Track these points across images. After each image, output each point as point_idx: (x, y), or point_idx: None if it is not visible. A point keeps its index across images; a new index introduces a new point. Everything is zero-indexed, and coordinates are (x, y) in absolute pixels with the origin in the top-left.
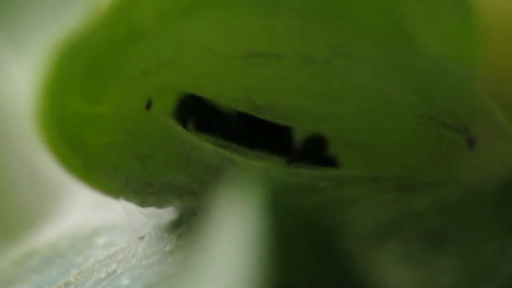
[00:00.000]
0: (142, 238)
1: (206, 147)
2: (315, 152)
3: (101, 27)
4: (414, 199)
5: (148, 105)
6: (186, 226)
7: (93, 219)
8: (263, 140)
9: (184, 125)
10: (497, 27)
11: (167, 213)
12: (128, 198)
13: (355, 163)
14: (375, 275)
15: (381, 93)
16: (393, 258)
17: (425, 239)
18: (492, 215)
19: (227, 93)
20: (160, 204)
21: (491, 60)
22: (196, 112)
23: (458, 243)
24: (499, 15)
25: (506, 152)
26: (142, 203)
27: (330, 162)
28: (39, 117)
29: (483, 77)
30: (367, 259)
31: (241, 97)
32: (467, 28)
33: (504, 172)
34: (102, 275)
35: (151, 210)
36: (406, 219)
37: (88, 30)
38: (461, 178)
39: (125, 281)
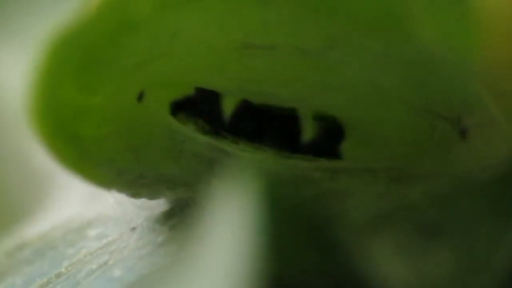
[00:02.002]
0: (134, 229)
1: (199, 138)
2: (329, 143)
3: (95, 18)
4: (408, 190)
5: (140, 97)
6: (178, 218)
7: (85, 210)
8: (270, 132)
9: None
10: (495, 18)
11: (160, 205)
12: (120, 189)
13: (348, 154)
14: (370, 266)
15: (375, 85)
16: (387, 249)
17: (419, 230)
18: (486, 205)
19: (221, 85)
20: (152, 196)
21: (488, 51)
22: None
23: (452, 234)
24: (497, 6)
25: (498, 143)
26: (135, 195)
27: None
28: (32, 108)
29: (479, 68)
30: (362, 250)
31: (235, 90)
32: (464, 18)
33: (497, 163)
34: (94, 266)
35: (143, 202)
36: (400, 210)
37: (82, 21)
38: (454, 169)
39: (117, 272)
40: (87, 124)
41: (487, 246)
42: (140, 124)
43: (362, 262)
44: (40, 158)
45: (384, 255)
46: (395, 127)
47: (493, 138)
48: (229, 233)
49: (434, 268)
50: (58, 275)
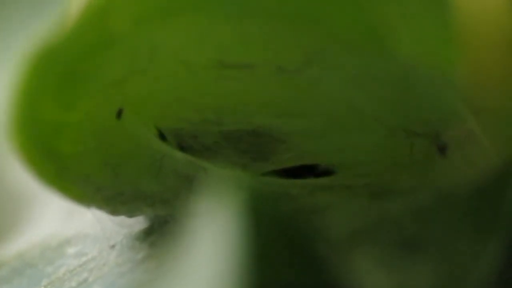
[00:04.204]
0: (113, 246)
1: (177, 155)
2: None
3: (74, 34)
4: (388, 205)
5: (119, 114)
6: (158, 235)
7: (64, 228)
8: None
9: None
10: (477, 33)
11: (139, 222)
12: (99, 206)
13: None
14: (351, 280)
15: (352, 105)
16: (368, 263)
17: (399, 244)
18: (465, 219)
19: (198, 104)
20: (131, 213)
21: (468, 67)
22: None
23: (432, 248)
24: (479, 21)
25: (477, 158)
26: (114, 212)
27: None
28: (11, 124)
29: (460, 83)
30: (343, 264)
31: (212, 110)
32: (446, 34)
33: (476, 177)
34: (73, 284)
35: (123, 219)
36: (380, 224)
37: (61, 37)
38: (434, 184)
39: None
40: (65, 140)
41: (466, 259)
42: (119, 141)
43: (344, 275)
44: (18, 175)
45: (365, 268)
46: (372, 147)
47: (472, 153)
48: (209, 249)
49: (415, 281)
50: None
